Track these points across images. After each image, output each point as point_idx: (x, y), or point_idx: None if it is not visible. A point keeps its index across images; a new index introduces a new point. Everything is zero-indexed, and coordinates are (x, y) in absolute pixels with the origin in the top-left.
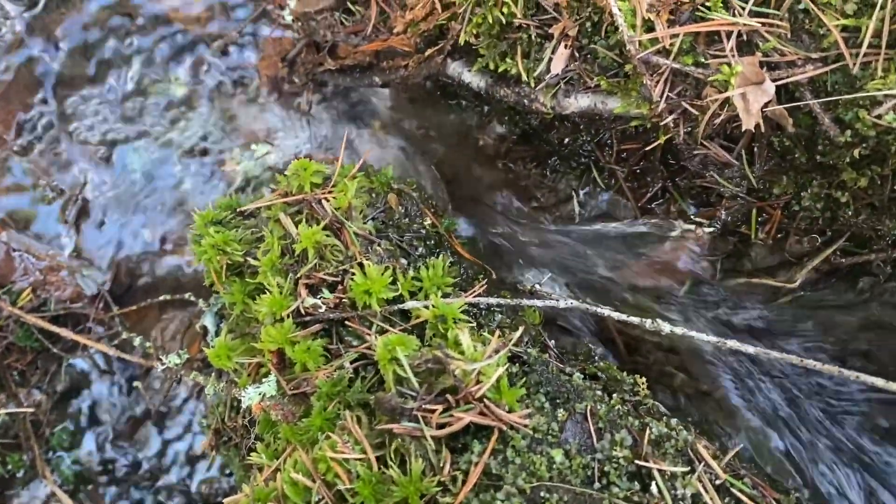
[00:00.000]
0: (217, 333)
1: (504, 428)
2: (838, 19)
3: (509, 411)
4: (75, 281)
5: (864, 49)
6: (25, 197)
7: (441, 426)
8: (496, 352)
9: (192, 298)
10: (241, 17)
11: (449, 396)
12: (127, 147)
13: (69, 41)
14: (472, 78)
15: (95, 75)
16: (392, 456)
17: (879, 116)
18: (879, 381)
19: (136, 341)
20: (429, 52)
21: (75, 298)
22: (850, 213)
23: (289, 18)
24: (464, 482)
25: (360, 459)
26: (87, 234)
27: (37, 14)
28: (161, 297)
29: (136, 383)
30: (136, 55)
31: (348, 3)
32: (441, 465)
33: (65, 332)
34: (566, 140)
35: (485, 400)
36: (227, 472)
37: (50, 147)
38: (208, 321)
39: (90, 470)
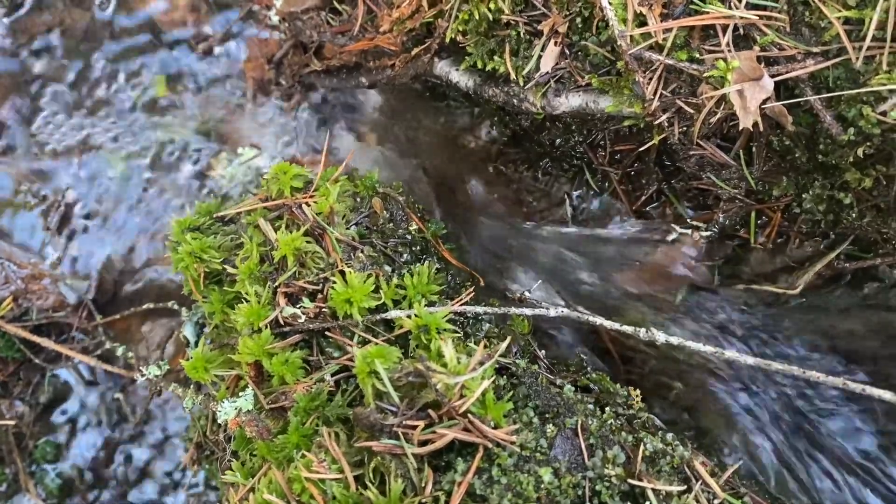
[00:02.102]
0: (196, 344)
1: (489, 445)
2: (840, 11)
3: (495, 427)
4: (58, 289)
5: (867, 42)
6: (6, 203)
7: (423, 443)
8: (481, 364)
9: (176, 307)
10: (226, 18)
11: (431, 411)
12: (110, 152)
13: (51, 44)
14: (460, 77)
15: (78, 78)
16: (371, 475)
17: (884, 113)
18: (887, 395)
19: (119, 351)
20: (416, 51)
21: (58, 307)
22: (853, 215)
23: (275, 19)
24: (447, 503)
25: (336, 479)
26: (70, 241)
27: (18, 18)
28: (145, 306)
29: (116, 395)
30: (119, 58)
31: (335, 3)
32: (423, 484)
33: (47, 343)
34: (558, 141)
35: (469, 415)
36: (214, 485)
37: (31, 152)
38: (188, 331)
39: (74, 483)
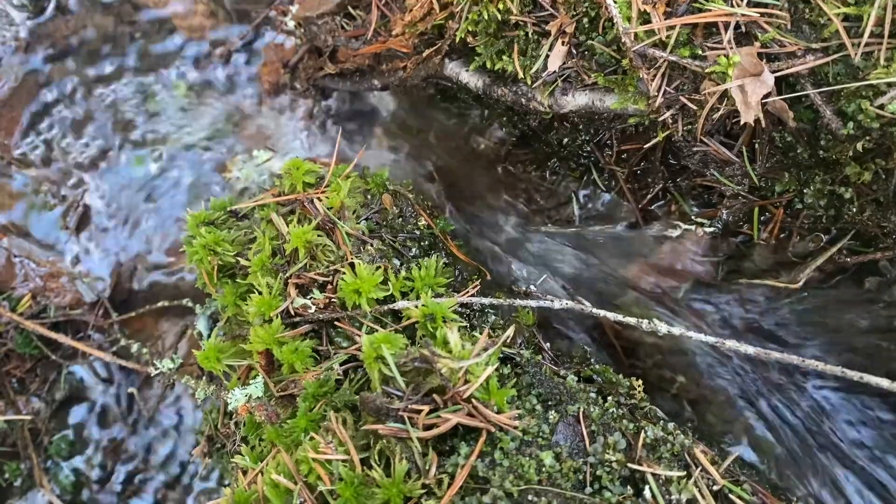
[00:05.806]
0: (210, 337)
1: (492, 429)
2: (839, 8)
3: (498, 412)
4: (75, 287)
5: (865, 38)
6: (26, 202)
7: (428, 427)
8: (485, 350)
9: (190, 304)
10: (243, 23)
11: (436, 396)
12: (128, 153)
13: (73, 48)
14: (470, 78)
15: (99, 81)
16: (376, 457)
17: (882, 107)
18: (885, 383)
19: (134, 348)
20: (427, 52)
21: (75, 305)
22: (854, 209)
23: (291, 24)
24: (450, 485)
25: (343, 460)
26: (88, 240)
27: (42, 21)
28: (159, 304)
29: (131, 390)
30: (139, 62)
31: (349, 8)
32: (427, 467)
33: (64, 339)
34: (565, 141)
35: (473, 400)
36: (227, 482)
37: (52, 152)
38: (201, 325)
39: (88, 479)
